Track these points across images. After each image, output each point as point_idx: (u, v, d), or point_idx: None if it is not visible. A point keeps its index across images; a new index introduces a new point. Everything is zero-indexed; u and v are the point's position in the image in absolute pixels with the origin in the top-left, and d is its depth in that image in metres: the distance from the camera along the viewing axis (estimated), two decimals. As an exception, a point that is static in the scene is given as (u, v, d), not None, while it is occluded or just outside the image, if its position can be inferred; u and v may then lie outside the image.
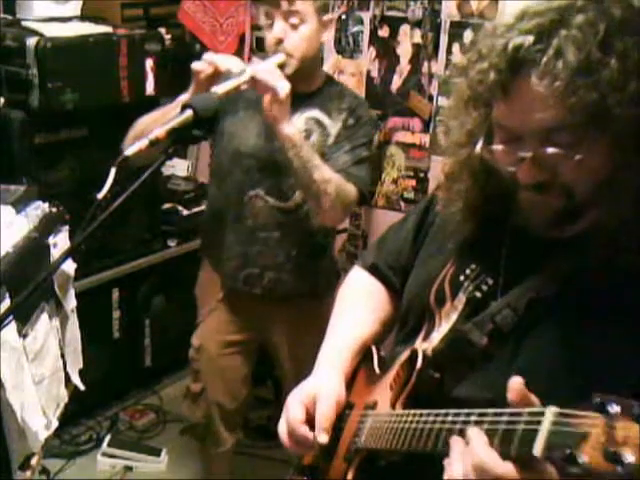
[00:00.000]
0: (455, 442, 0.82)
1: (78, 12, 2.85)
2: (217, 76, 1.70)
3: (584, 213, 0.92)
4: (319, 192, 1.82)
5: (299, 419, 1.12)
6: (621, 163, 0.87)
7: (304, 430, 1.11)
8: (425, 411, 0.92)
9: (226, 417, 2.26)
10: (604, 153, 0.87)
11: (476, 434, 0.78)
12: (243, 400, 2.29)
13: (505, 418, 0.75)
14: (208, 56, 1.74)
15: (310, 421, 1.12)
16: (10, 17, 2.71)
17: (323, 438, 1.09)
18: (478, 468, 0.76)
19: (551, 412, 0.69)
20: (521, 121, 0.89)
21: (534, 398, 0.77)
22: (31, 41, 2.45)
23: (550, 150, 0.87)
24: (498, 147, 0.93)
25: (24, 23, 2.62)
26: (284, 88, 1.72)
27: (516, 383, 0.76)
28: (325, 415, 1.11)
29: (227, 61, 1.73)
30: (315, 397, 1.13)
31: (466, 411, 0.82)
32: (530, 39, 0.85)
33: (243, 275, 2.06)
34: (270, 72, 1.73)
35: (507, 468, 0.73)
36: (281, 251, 2.03)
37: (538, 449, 0.68)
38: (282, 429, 1.15)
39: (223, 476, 2.39)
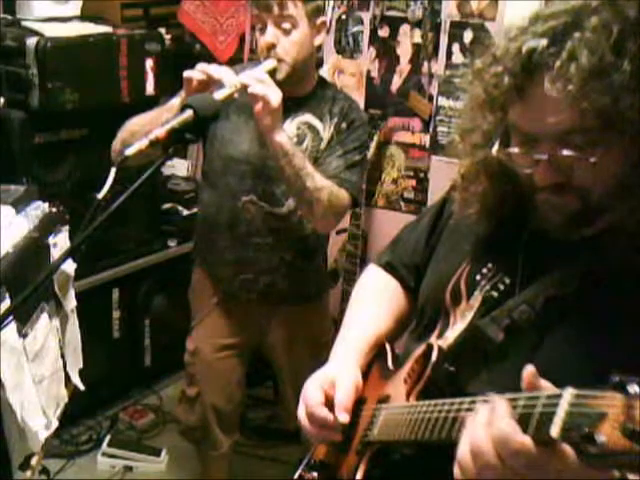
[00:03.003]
0: (480, 409, 0.80)
1: (78, 12, 2.85)
2: (209, 84, 1.69)
3: (601, 214, 0.91)
4: (311, 199, 1.82)
5: (318, 401, 1.12)
6: (637, 165, 0.87)
7: (324, 411, 1.11)
8: (440, 400, 0.92)
9: (222, 420, 2.26)
10: (619, 155, 0.87)
11: (500, 402, 0.77)
12: (238, 402, 2.29)
13: (522, 402, 0.75)
14: (201, 66, 1.72)
15: (329, 405, 1.12)
16: (10, 17, 2.71)
17: (344, 417, 1.09)
18: (499, 439, 0.74)
19: (569, 393, 0.68)
20: (536, 124, 0.89)
21: (546, 384, 0.75)
22: (31, 41, 2.45)
23: (565, 152, 0.87)
24: (514, 149, 0.94)
25: (24, 23, 2.62)
26: (276, 97, 1.70)
27: (529, 373, 0.76)
28: (345, 395, 1.11)
29: (220, 72, 1.71)
30: (334, 381, 1.14)
31: (482, 398, 0.81)
32: (544, 42, 0.86)
33: (239, 280, 2.06)
34: (261, 80, 1.71)
35: (525, 441, 0.72)
36: (275, 256, 2.03)
37: (555, 430, 0.67)
38: (301, 414, 1.15)
39: (222, 477, 2.39)
